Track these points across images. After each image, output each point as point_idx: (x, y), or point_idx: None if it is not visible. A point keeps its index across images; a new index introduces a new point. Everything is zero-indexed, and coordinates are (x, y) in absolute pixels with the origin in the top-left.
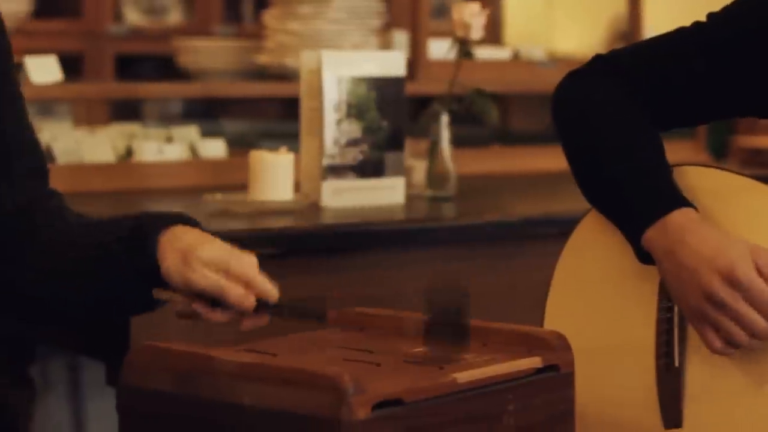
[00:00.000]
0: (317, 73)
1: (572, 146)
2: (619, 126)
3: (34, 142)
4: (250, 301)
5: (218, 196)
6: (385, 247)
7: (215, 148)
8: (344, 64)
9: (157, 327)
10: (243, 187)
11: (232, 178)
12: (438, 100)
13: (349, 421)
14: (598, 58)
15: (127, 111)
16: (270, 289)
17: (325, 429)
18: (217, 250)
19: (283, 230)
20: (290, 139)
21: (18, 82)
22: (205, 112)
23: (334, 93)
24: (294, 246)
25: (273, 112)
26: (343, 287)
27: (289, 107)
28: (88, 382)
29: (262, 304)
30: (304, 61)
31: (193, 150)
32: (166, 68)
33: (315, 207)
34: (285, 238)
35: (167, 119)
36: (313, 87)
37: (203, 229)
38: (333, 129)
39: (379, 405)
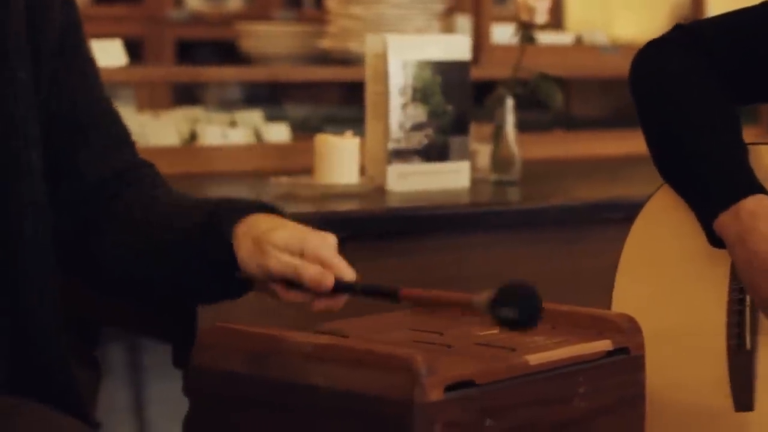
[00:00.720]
0: (383, 57)
1: (649, 119)
2: (699, 101)
3: (112, 114)
4: (327, 281)
5: (284, 180)
6: (450, 231)
7: (279, 133)
8: (409, 48)
9: (225, 309)
10: (306, 171)
11: (296, 162)
12: (502, 84)
13: (421, 402)
14: (678, 28)
15: (188, 96)
16: (346, 269)
17: (397, 410)
18: (290, 233)
19: (349, 214)
20: (350, 123)
21: (92, 56)
22: (266, 98)
23: (399, 77)
24: (359, 229)
25: (333, 98)
26: (408, 271)
27: (349, 92)
28: (148, 364)
29: (338, 284)
30: (369, 45)
31: (257, 134)
32: (225, 54)
33: (380, 191)
34: (350, 221)
35: (227, 104)
36: (379, 71)
37: (282, 214)
38: (398, 113)
39: (451, 387)
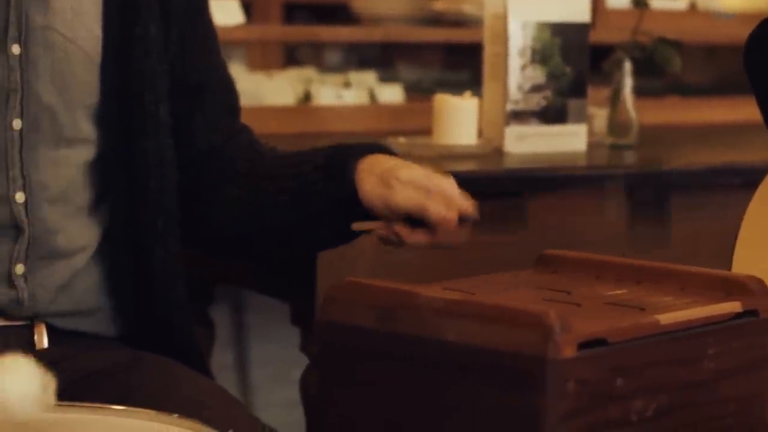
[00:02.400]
0: (502, 18)
1: (763, 92)
2: None
3: (228, 79)
4: (452, 216)
5: (401, 140)
6: (566, 193)
7: (392, 94)
8: (529, 9)
9: (344, 267)
10: (420, 132)
11: (410, 123)
12: (620, 47)
13: (555, 359)
14: None
15: (297, 56)
16: (470, 205)
17: (530, 366)
18: (416, 170)
19: (467, 174)
20: (458, 86)
21: (212, 20)
22: (373, 60)
23: (518, 38)
24: (477, 190)
25: (437, 60)
26: (525, 232)
27: (455, 54)
28: (253, 324)
29: (462, 220)
30: (487, 6)
31: (371, 95)
32: (324, 16)
33: (497, 152)
34: (469, 182)
35: (336, 65)
36: (498, 32)
37: (399, 156)
38: (517, 75)
39: (584, 345)
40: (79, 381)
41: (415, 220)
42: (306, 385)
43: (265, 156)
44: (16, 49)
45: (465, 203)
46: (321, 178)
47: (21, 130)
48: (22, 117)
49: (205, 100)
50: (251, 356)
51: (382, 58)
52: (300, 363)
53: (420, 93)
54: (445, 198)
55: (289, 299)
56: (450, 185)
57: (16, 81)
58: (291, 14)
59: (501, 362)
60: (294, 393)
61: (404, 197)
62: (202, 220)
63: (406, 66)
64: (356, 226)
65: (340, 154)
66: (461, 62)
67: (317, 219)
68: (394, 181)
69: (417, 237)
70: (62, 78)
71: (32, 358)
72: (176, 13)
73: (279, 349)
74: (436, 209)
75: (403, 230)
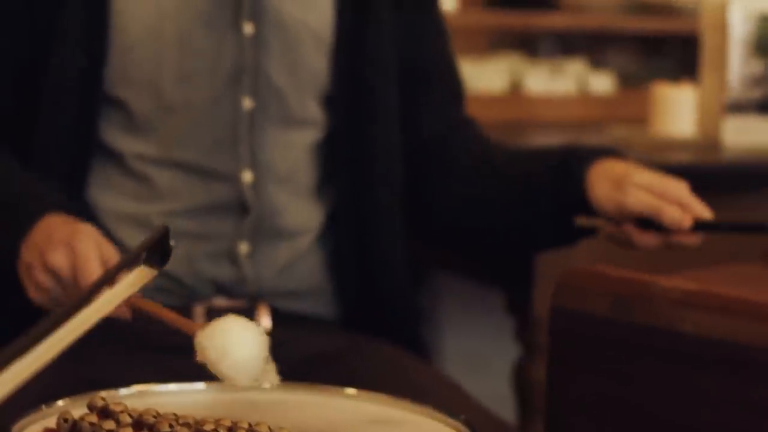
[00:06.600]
0: (721, 8)
1: None
2: None
3: (455, 69)
4: (686, 220)
5: (617, 129)
6: None
7: (602, 83)
8: None
9: (562, 256)
10: (631, 121)
11: (620, 112)
12: None
13: None
14: None
15: (502, 43)
16: (704, 209)
17: None
18: (650, 175)
19: (684, 166)
20: (664, 74)
21: (441, 9)
22: (581, 47)
23: (739, 28)
24: (694, 182)
25: (648, 48)
26: None
27: (663, 42)
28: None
29: (697, 224)
30: None
31: (581, 83)
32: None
33: (715, 144)
34: (685, 173)
35: (544, 53)
36: (718, 22)
37: (629, 160)
38: (737, 65)
39: None
40: (301, 363)
41: (645, 224)
42: (520, 372)
43: (494, 152)
44: (249, 28)
45: (700, 208)
46: (552, 179)
47: (251, 110)
48: (252, 97)
49: (432, 89)
50: (443, 344)
51: (588, 46)
52: (497, 352)
53: (625, 81)
54: (680, 202)
55: (505, 287)
56: (685, 190)
57: (248, 61)
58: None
59: (743, 356)
60: (492, 381)
61: (638, 200)
62: (425, 210)
63: (614, 54)
64: (581, 220)
65: (573, 157)
66: (667, 50)
67: (543, 220)
68: (629, 184)
69: (648, 239)
70: (293, 60)
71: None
72: (408, 1)
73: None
74: (672, 213)
75: (633, 232)
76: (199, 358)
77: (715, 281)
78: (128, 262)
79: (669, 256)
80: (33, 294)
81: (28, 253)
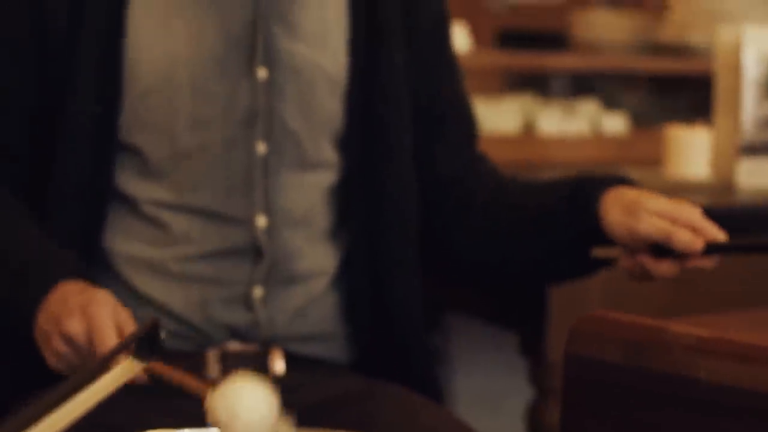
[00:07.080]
0: (735, 49)
1: None
2: None
3: (469, 108)
4: (698, 243)
5: (630, 171)
6: None
7: (615, 123)
8: (765, 39)
9: (576, 297)
10: (645, 162)
11: (633, 153)
12: None
13: None
14: None
15: (515, 83)
16: (718, 233)
17: None
18: (662, 201)
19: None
20: (677, 115)
21: (453, 48)
22: (593, 87)
23: (753, 70)
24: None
25: (660, 88)
26: (757, 270)
27: (676, 82)
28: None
29: (710, 246)
30: (721, 36)
31: (594, 124)
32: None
33: (729, 186)
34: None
35: (556, 92)
36: (731, 63)
37: (640, 187)
38: (751, 107)
39: None
40: (314, 408)
41: (659, 251)
42: (534, 414)
43: (507, 185)
44: (262, 72)
45: (714, 231)
46: (565, 209)
47: (265, 155)
48: (266, 141)
49: (447, 128)
50: (456, 384)
51: (601, 86)
52: (509, 393)
53: (638, 122)
54: (692, 226)
55: (518, 330)
56: (697, 214)
57: (262, 105)
58: (505, 41)
59: (756, 404)
60: (504, 423)
61: (650, 225)
62: (442, 248)
63: (627, 95)
64: (597, 252)
65: (585, 185)
66: (680, 91)
67: (559, 250)
68: (641, 210)
69: (663, 268)
70: (307, 103)
71: (267, 381)
72: (421, 40)
73: (482, 379)
74: (683, 237)
75: (648, 261)
76: (209, 419)
77: (729, 327)
78: (119, 351)
79: (684, 299)
80: (50, 360)
81: (44, 321)
